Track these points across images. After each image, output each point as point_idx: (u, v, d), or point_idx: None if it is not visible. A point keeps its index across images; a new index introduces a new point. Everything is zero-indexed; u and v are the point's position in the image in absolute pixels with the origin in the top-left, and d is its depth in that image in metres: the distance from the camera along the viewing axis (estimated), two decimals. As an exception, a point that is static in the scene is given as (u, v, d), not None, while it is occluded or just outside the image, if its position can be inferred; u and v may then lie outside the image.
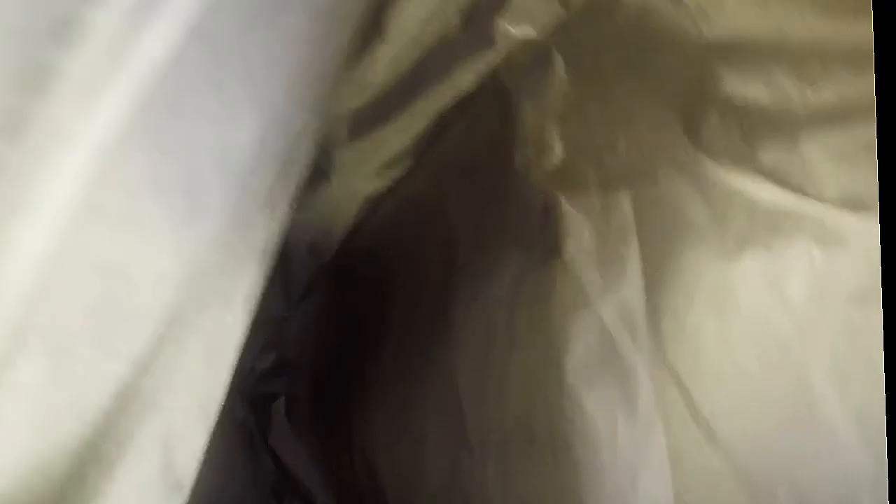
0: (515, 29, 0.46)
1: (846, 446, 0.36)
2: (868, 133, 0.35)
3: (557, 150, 0.44)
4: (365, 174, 0.55)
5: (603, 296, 0.41)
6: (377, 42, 0.47)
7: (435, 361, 0.49)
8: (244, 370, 0.62)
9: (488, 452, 0.45)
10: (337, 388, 0.58)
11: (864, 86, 0.36)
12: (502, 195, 0.46)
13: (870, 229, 0.37)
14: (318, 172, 0.55)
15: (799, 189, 0.37)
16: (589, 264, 0.42)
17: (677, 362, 0.39)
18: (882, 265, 0.26)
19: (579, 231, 0.42)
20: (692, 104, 0.41)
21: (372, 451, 0.55)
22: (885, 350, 0.25)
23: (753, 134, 0.39)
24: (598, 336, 0.41)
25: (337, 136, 0.53)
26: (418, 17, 0.46)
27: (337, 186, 0.56)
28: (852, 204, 0.36)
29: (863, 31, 0.35)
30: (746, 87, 0.39)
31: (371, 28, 0.46)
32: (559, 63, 0.45)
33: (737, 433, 0.38)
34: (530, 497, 0.43)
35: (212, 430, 0.31)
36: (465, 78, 0.48)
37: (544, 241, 0.43)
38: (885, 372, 0.25)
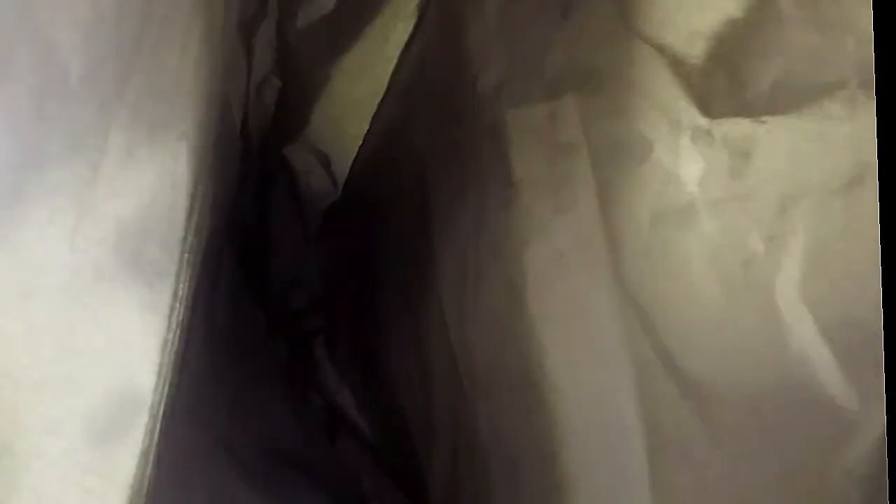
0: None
1: (820, 376, 0.31)
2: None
3: (499, 63, 0.39)
4: (350, 101, 0.52)
5: (556, 220, 0.37)
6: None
7: (427, 296, 0.46)
8: (280, 310, 0.62)
9: (476, 395, 0.42)
10: (364, 323, 0.57)
11: None
12: (457, 117, 0.42)
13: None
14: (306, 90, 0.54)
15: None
16: (539, 186, 0.37)
17: (641, 294, 0.35)
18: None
19: (527, 150, 0.38)
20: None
21: (398, 390, 0.53)
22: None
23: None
24: (554, 266, 0.37)
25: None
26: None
27: (329, 108, 0.54)
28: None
29: None
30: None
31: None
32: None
33: (705, 373, 0.33)
34: (514, 442, 0.40)
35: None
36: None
37: (495, 165, 0.39)
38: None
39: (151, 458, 0.30)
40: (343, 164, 0.56)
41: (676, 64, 0.34)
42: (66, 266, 0.26)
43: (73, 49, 0.26)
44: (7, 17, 0.25)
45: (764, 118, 0.32)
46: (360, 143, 0.54)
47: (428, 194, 0.45)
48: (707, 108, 0.33)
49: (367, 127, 0.52)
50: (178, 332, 0.34)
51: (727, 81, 0.33)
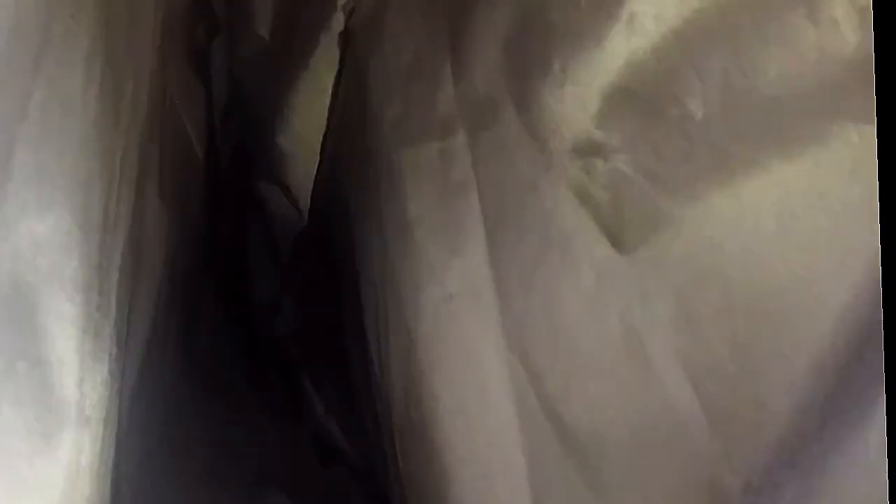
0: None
1: (688, 425, 0.29)
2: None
3: (397, 101, 0.38)
4: (299, 135, 0.52)
5: (447, 262, 0.36)
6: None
7: (361, 334, 0.46)
8: (264, 338, 0.62)
9: (394, 436, 0.42)
10: (339, 354, 0.56)
11: None
12: (366, 155, 0.41)
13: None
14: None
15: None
16: (432, 226, 0.36)
17: (526, 341, 0.33)
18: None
19: (420, 189, 0.37)
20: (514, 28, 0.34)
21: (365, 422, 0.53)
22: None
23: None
24: (446, 310, 0.36)
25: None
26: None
27: (283, 140, 0.54)
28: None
29: None
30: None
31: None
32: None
33: (583, 422, 0.31)
34: (419, 484, 0.39)
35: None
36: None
37: (393, 204, 0.38)
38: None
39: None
40: (304, 192, 0.56)
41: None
42: None
43: None
44: None
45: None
46: (315, 174, 0.53)
47: (352, 232, 0.44)
48: (588, 151, 0.32)
49: (318, 159, 0.52)
50: (114, 346, 0.34)
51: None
